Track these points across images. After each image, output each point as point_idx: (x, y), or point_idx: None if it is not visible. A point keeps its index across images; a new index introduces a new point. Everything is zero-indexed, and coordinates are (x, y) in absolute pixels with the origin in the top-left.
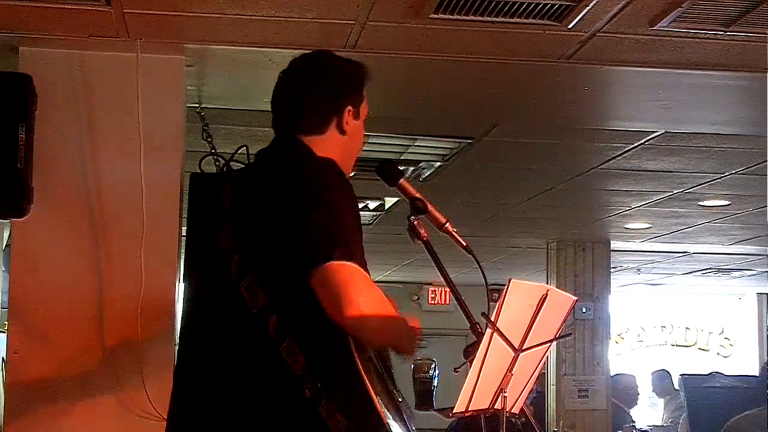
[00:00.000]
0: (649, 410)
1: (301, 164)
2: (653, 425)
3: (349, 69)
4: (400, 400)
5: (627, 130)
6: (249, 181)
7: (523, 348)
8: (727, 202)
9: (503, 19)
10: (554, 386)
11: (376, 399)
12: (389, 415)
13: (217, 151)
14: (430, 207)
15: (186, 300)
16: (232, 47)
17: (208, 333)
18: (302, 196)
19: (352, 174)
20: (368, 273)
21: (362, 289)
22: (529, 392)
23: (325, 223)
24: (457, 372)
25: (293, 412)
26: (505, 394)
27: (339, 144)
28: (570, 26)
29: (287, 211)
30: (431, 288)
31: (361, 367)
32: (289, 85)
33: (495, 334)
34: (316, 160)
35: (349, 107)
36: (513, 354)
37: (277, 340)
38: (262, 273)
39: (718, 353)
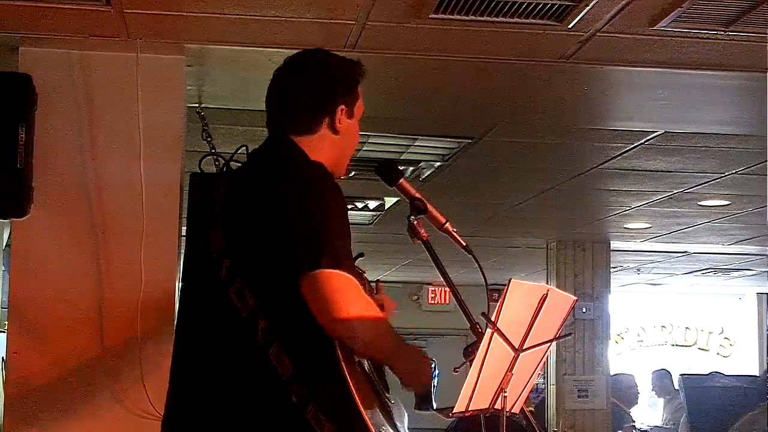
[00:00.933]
0: (649, 410)
1: (291, 167)
2: (654, 426)
3: (343, 67)
4: (391, 402)
5: (627, 130)
6: (240, 182)
7: (524, 348)
8: (726, 202)
9: (503, 19)
10: (554, 386)
11: (360, 404)
12: (377, 420)
13: (217, 151)
14: (429, 207)
15: (181, 301)
16: (232, 47)
17: (199, 335)
18: (290, 200)
19: (352, 174)
20: (357, 277)
21: (351, 298)
22: (530, 392)
23: (312, 229)
24: (457, 372)
25: (280, 418)
26: (505, 394)
27: (332, 143)
28: (570, 26)
29: (275, 215)
30: (431, 288)
31: (346, 372)
32: (282, 84)
33: (495, 334)
34: (306, 163)
35: (342, 106)
36: (513, 354)
37: (265, 345)
38: (252, 277)
39: (718, 353)
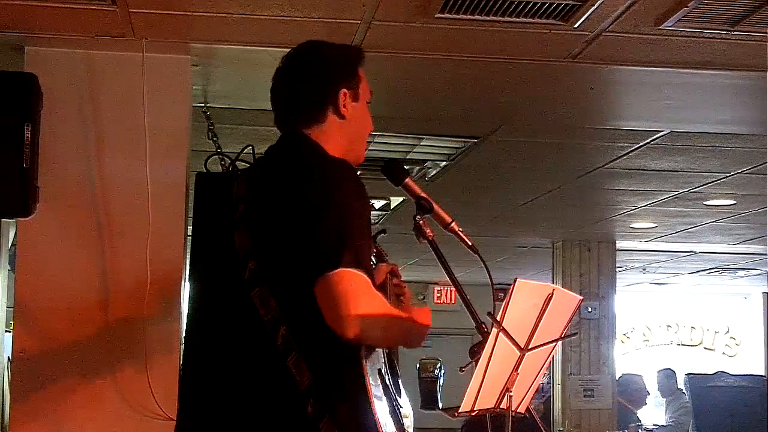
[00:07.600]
0: (655, 410)
1: (312, 166)
2: (658, 425)
3: (338, 52)
4: (402, 411)
5: (632, 130)
6: (262, 182)
7: (529, 347)
8: (732, 202)
9: (509, 19)
10: (560, 386)
11: (379, 421)
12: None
13: (223, 150)
14: (435, 206)
15: (192, 301)
16: (237, 47)
17: (215, 338)
18: (313, 201)
19: (357, 173)
20: (372, 278)
21: (362, 297)
22: (535, 392)
23: (334, 230)
24: (463, 371)
25: (293, 427)
26: (511, 394)
27: (341, 129)
28: (576, 26)
29: (298, 217)
30: (437, 287)
31: (369, 388)
32: (282, 79)
33: (501, 334)
34: (328, 160)
35: (344, 90)
36: (519, 353)
37: (284, 352)
38: (276, 281)
39: (723, 353)
